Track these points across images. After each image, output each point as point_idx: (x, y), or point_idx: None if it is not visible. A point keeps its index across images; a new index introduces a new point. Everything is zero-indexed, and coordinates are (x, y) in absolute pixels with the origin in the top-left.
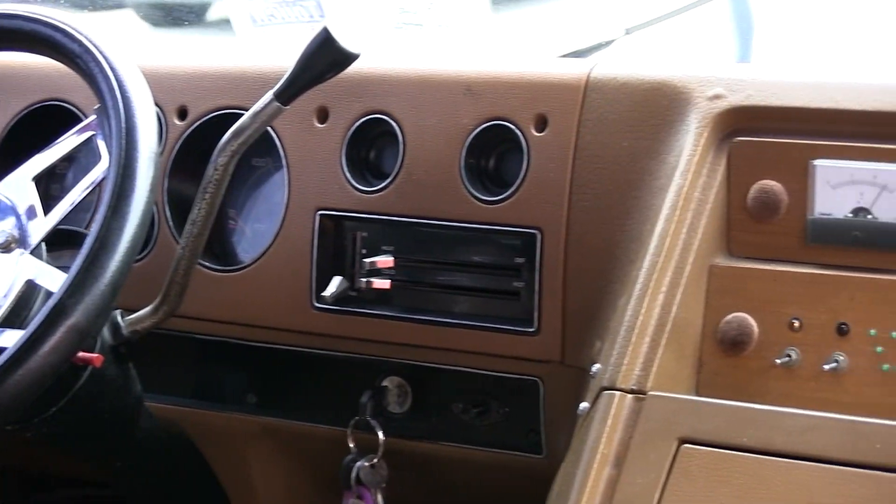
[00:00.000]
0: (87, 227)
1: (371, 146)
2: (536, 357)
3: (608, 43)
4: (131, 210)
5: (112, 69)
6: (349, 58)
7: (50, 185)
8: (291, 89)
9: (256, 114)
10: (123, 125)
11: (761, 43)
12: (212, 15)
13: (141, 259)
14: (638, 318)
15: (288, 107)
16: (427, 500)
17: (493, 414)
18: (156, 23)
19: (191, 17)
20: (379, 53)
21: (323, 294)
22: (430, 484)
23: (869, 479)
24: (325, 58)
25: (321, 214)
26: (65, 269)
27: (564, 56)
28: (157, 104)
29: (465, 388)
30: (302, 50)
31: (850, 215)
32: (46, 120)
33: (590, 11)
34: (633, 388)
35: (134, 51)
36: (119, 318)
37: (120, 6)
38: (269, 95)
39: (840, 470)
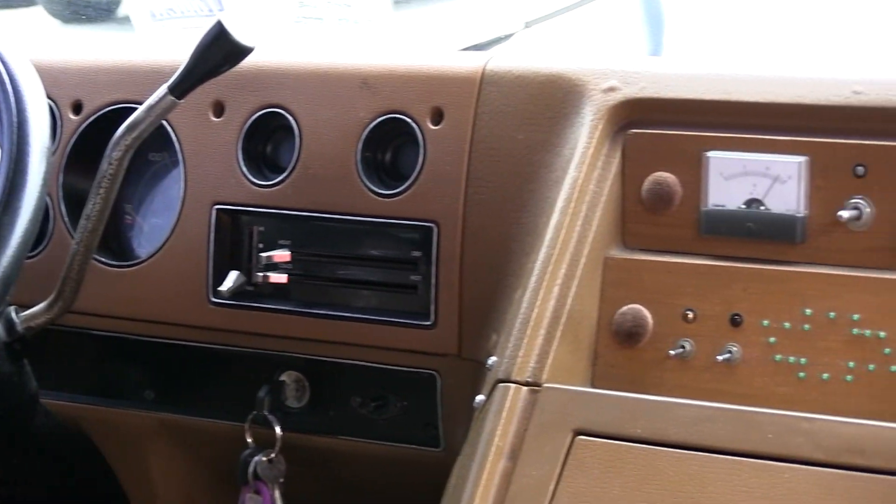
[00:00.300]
0: None
1: (268, 140)
2: (433, 350)
3: (508, 36)
4: (23, 205)
5: (3, 63)
6: (243, 51)
7: None
8: (185, 83)
9: (151, 107)
10: (15, 119)
11: (674, 36)
12: (122, 11)
13: (35, 254)
14: (533, 310)
15: (182, 100)
16: (325, 494)
17: (391, 408)
18: (66, 19)
19: (100, 13)
20: (275, 47)
21: (219, 289)
22: (329, 478)
23: (760, 469)
24: (218, 51)
25: (217, 209)
26: None
27: (465, 50)
28: (51, 99)
29: (364, 383)
30: (196, 43)
31: (743, 207)
32: None
33: (491, 5)
34: (529, 380)
35: (27, 45)
36: (13, 315)
37: (30, 3)
38: (163, 89)
39: (732, 460)
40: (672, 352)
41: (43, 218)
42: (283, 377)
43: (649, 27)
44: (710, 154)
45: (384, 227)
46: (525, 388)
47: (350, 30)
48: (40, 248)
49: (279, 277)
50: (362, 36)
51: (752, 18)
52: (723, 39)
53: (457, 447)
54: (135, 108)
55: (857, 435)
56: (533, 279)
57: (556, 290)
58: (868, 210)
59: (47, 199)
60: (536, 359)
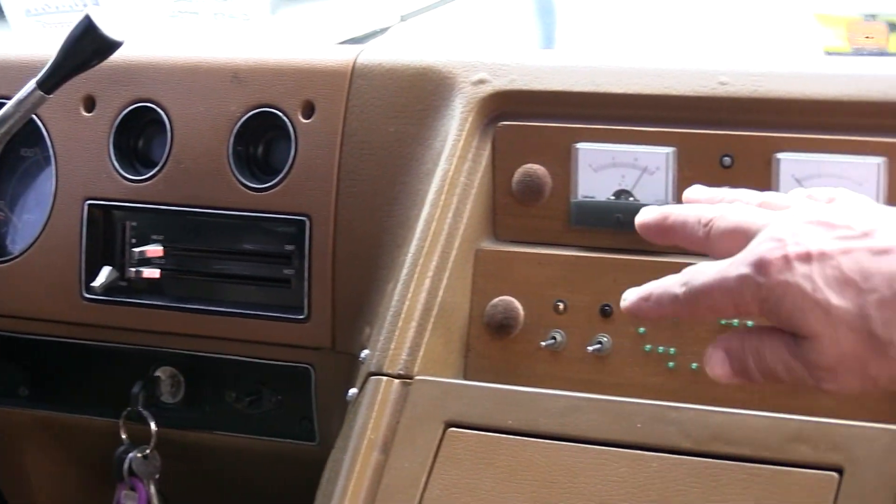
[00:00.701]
0: None
1: (139, 135)
2: (307, 344)
3: (384, 30)
4: None
5: None
6: (112, 46)
7: None
8: (54, 78)
9: (19, 102)
10: None
11: (566, 30)
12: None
13: None
14: (405, 303)
15: (51, 95)
16: (202, 489)
17: (266, 402)
18: None
19: None
20: (146, 41)
21: (92, 284)
22: (205, 473)
23: (629, 458)
24: (87, 46)
25: (89, 204)
26: None
27: (341, 44)
28: None
29: (239, 377)
30: (64, 38)
31: (612, 198)
32: None
33: (370, 0)
34: (400, 372)
35: None
36: None
37: None
38: (31, 84)
39: (602, 450)
40: (543, 343)
41: None
42: (158, 373)
43: (541, 20)
44: (580, 146)
45: (257, 221)
46: (397, 381)
47: (227, 25)
48: None
49: (152, 272)
50: (239, 31)
51: (646, 9)
52: (617, 31)
53: (332, 441)
54: (2, 104)
55: (724, 423)
56: (404, 272)
57: (427, 282)
58: None
59: None
60: (408, 351)
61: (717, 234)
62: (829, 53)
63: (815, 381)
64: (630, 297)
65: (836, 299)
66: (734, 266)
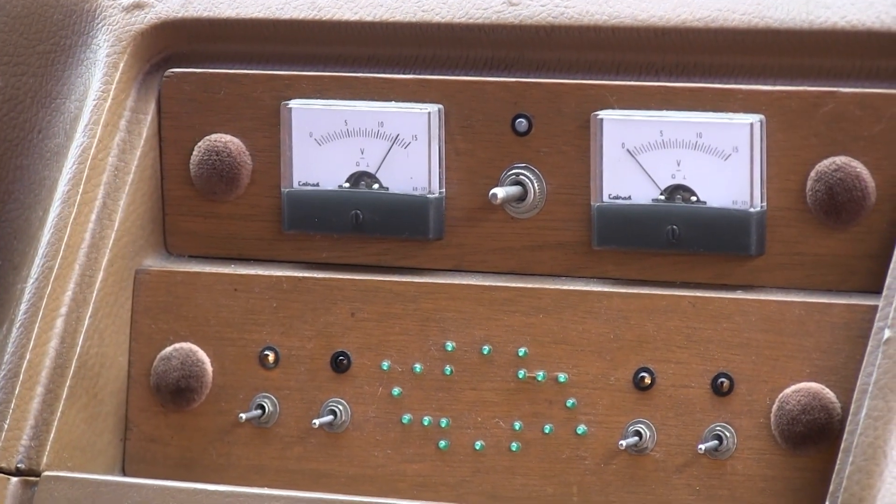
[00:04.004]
0: None
1: None
2: None
3: None
4: None
5: None
6: None
7: None
8: None
9: None
10: None
11: None
12: None
13: None
14: (24, 358)
15: None
16: None
17: None
18: None
19: None
20: None
21: None
22: None
23: None
24: None
25: None
26: None
27: None
28: None
29: None
30: None
31: (347, 185)
32: None
33: None
34: (19, 467)
35: None
36: None
37: None
38: None
39: None
40: (245, 415)
41: None
42: None
43: None
44: (294, 104)
45: None
46: (14, 480)
47: None
48: None
49: None
50: None
51: None
52: None
53: None
54: None
55: None
56: (23, 309)
57: (59, 323)
58: (534, 185)
59: None
60: (31, 433)
61: None
62: None
63: None
64: None
65: None
66: None
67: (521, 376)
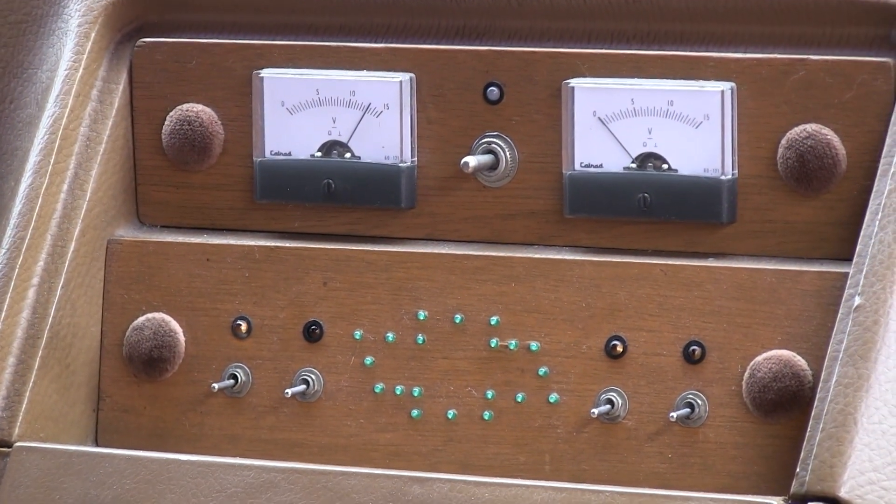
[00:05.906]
0: None
1: None
2: None
3: None
4: None
5: None
6: None
7: None
8: None
9: None
10: None
11: None
12: None
13: None
14: None
15: None
16: None
17: None
18: None
19: None
20: None
21: None
22: None
23: None
24: None
25: None
26: None
27: None
28: None
29: None
30: None
31: (319, 155)
32: None
33: None
34: None
35: None
36: None
37: None
38: None
39: None
40: (217, 385)
41: None
42: None
43: None
44: (265, 74)
45: None
46: None
47: None
48: None
49: None
50: None
51: None
52: None
53: None
54: None
55: (495, 500)
56: None
57: (31, 294)
58: (505, 153)
59: None
60: (3, 404)
61: None
62: None
63: None
64: None
65: None
66: None
67: (493, 345)
